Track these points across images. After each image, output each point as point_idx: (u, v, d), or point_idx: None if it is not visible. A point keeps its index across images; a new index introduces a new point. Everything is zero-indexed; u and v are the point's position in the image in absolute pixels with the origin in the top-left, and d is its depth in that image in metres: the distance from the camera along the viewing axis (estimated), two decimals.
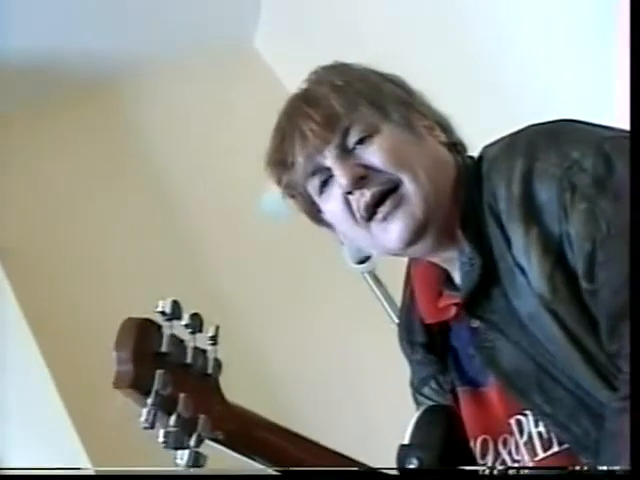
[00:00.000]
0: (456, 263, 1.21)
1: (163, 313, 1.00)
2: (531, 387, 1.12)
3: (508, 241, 1.12)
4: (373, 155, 1.18)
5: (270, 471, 1.05)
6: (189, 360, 1.01)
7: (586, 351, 1.07)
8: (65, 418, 2.32)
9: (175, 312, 1.00)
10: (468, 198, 1.18)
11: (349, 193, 1.18)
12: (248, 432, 1.06)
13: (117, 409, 0.99)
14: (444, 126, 1.25)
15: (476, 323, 1.18)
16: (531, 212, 1.10)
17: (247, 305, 2.68)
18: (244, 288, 2.70)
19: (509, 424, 1.17)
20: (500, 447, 1.19)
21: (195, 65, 2.95)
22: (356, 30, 2.58)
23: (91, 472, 1.61)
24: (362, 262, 2.29)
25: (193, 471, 0.97)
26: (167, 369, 0.97)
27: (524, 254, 1.10)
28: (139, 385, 0.96)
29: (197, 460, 0.97)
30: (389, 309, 2.32)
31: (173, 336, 1.00)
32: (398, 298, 2.31)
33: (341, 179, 1.17)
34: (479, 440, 1.21)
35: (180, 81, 2.98)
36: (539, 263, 1.09)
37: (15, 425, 2.31)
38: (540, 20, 2.10)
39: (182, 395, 0.98)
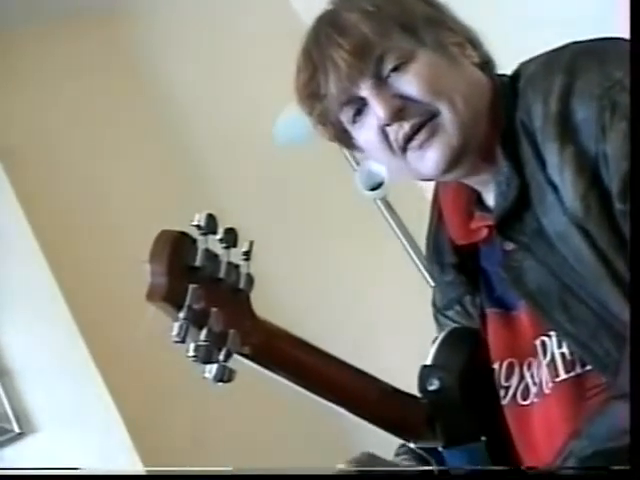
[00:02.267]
0: (490, 184, 1.21)
1: (198, 227, 0.98)
2: (555, 306, 1.13)
3: (541, 160, 1.11)
4: (409, 84, 1.16)
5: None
6: (222, 275, 1.00)
7: (614, 271, 1.07)
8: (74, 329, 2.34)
9: (210, 226, 0.98)
10: (506, 116, 1.17)
11: (387, 125, 1.16)
12: (276, 346, 1.06)
13: (145, 323, 0.98)
14: (474, 43, 1.23)
15: (509, 245, 1.18)
16: (567, 130, 1.09)
17: (260, 235, 2.68)
18: (254, 215, 2.70)
19: (534, 346, 1.18)
20: (525, 370, 1.20)
21: None
22: None
23: (91, 472, 1.61)
24: (374, 189, 2.30)
25: (193, 471, 0.96)
26: (200, 283, 0.96)
27: (558, 172, 1.09)
28: (172, 298, 0.95)
29: (225, 374, 0.97)
30: (400, 235, 2.34)
31: (207, 250, 0.98)
32: (410, 224, 2.35)
33: (379, 112, 1.16)
34: (505, 363, 1.22)
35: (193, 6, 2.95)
36: (573, 182, 1.08)
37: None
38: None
39: (214, 309, 0.97)
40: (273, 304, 2.59)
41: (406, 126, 1.16)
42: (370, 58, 1.16)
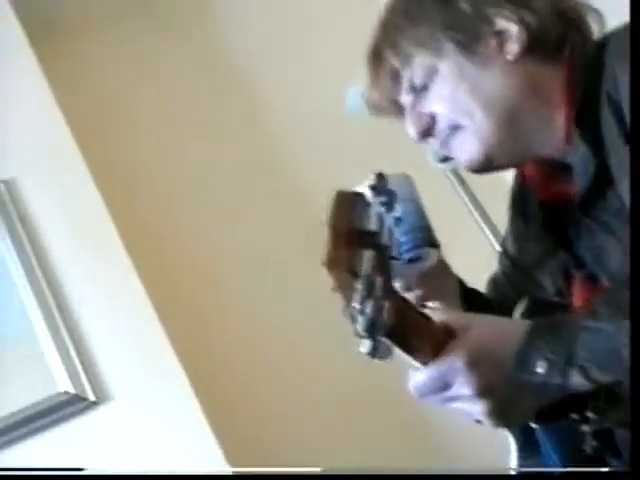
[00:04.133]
0: (572, 155, 1.18)
1: (374, 188, 0.95)
2: None
3: (624, 132, 1.08)
4: (433, 104, 1.22)
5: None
6: (385, 241, 0.95)
7: None
8: None
9: (380, 187, 0.95)
10: (586, 91, 1.14)
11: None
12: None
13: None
14: (534, 19, 1.19)
15: (592, 223, 1.17)
16: None
17: None
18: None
19: None
20: None
21: None
22: None
23: (92, 472, 1.62)
24: (445, 160, 2.30)
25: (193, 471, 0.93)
26: (374, 249, 0.92)
27: None
28: (350, 266, 0.90)
29: (383, 350, 0.92)
30: (472, 207, 2.33)
31: (380, 214, 0.94)
32: (481, 197, 2.33)
33: (409, 130, 1.25)
34: None
35: None
36: None
37: None
38: None
39: (379, 279, 0.92)
40: None
41: (436, 141, 1.25)
42: (402, 81, 1.24)
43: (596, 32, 1.23)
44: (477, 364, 0.97)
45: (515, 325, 1.03)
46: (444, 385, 0.98)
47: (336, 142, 2.71)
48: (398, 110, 1.28)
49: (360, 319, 0.90)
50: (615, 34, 1.17)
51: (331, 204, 0.93)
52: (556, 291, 1.29)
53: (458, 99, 1.20)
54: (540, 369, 0.96)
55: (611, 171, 1.11)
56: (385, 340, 0.92)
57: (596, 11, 1.23)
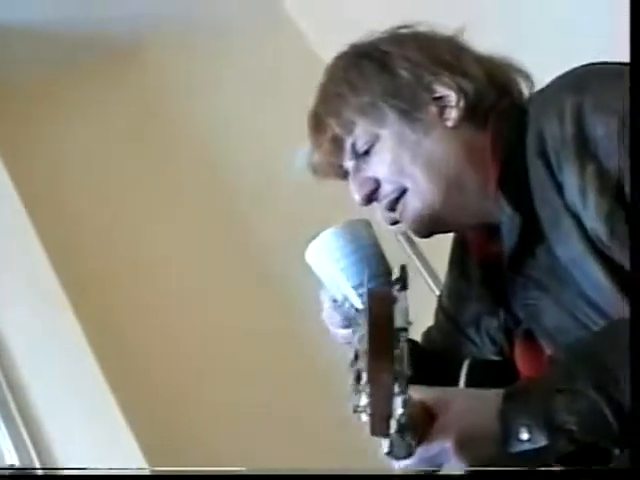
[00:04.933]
0: (500, 216, 1.19)
1: (401, 280, 0.95)
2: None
3: (557, 184, 1.10)
4: (376, 168, 1.24)
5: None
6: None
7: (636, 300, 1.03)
8: None
9: (404, 279, 0.95)
10: (508, 151, 1.17)
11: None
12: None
13: None
14: (466, 88, 1.22)
15: (525, 282, 1.18)
16: (586, 148, 1.07)
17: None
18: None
19: None
20: None
21: (222, 29, 2.95)
22: None
23: (91, 472, 1.60)
24: (395, 223, 2.30)
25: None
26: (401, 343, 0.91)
27: (579, 194, 1.07)
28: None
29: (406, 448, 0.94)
30: (422, 269, 2.33)
31: (406, 308, 0.93)
32: (432, 258, 2.33)
33: (354, 195, 1.27)
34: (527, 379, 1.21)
35: (207, 46, 2.97)
36: (596, 202, 1.06)
37: None
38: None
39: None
40: None
41: (382, 204, 1.26)
42: (344, 147, 1.26)
43: (525, 93, 1.26)
44: (465, 444, 0.99)
45: (490, 397, 1.03)
46: (435, 465, 1.00)
47: (294, 204, 2.73)
48: (342, 174, 1.29)
49: (393, 422, 0.91)
50: (533, 94, 1.22)
51: (373, 307, 0.92)
52: (496, 350, 1.30)
53: (400, 164, 1.22)
54: (524, 435, 0.97)
55: (540, 227, 1.13)
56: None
57: (525, 72, 1.27)
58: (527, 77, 1.27)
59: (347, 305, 1.18)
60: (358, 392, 0.93)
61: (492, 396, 1.02)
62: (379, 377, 0.89)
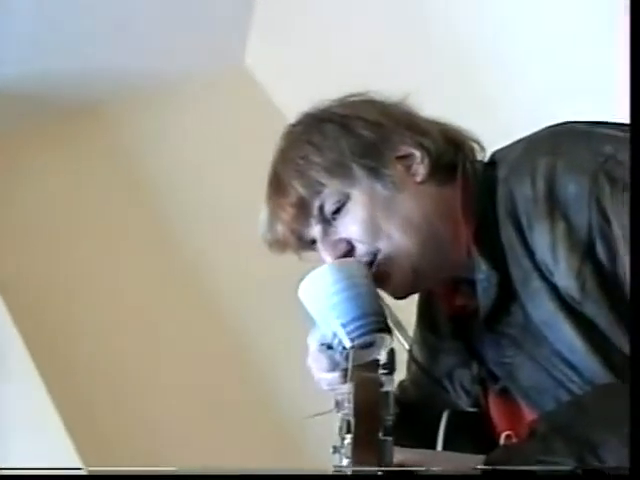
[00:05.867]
0: (475, 273, 1.19)
1: (387, 366, 0.94)
2: (549, 402, 1.12)
3: (526, 245, 1.11)
4: (349, 228, 1.20)
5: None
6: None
7: (609, 357, 1.06)
8: None
9: (391, 364, 0.95)
10: (481, 209, 1.18)
11: None
12: None
13: None
14: (428, 147, 1.23)
15: (498, 338, 1.18)
16: (557, 207, 1.09)
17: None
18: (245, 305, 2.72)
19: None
20: None
21: (184, 86, 2.96)
22: (346, 45, 2.59)
23: (90, 472, 1.58)
24: None
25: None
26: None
27: (550, 251, 1.09)
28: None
29: None
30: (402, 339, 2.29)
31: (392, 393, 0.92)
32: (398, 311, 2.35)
33: (327, 259, 1.21)
34: (503, 435, 1.19)
35: (169, 102, 2.98)
36: (567, 258, 1.07)
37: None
38: (538, 20, 2.11)
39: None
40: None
41: None
42: (311, 210, 1.22)
43: (476, 151, 1.27)
44: None
45: (470, 462, 1.03)
46: None
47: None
48: (303, 244, 1.26)
49: None
50: (500, 152, 1.23)
51: (359, 393, 0.91)
52: (471, 401, 1.28)
53: (376, 223, 1.19)
54: None
55: (514, 286, 1.13)
56: None
57: (476, 139, 1.27)
58: (479, 144, 1.28)
59: (335, 342, 1.16)
60: (340, 453, 0.93)
61: (473, 462, 1.02)
62: (362, 464, 0.89)
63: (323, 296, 1.18)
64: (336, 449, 0.94)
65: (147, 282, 2.75)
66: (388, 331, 1.17)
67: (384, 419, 0.90)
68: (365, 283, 1.18)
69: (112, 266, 2.75)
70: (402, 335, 2.17)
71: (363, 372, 0.94)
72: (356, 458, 0.89)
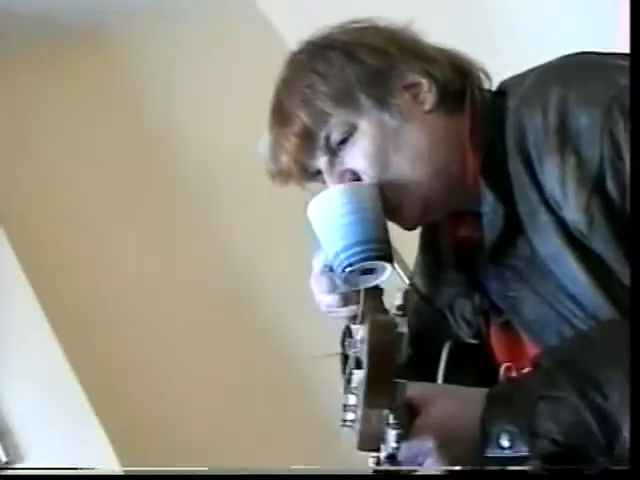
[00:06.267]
0: (481, 205, 1.17)
1: (400, 307, 0.94)
2: (552, 336, 1.11)
3: (535, 178, 1.10)
4: (355, 159, 1.19)
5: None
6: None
7: (613, 293, 1.05)
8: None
9: (407, 306, 0.94)
10: (489, 140, 1.16)
11: None
12: None
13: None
14: (435, 74, 1.21)
15: (503, 271, 1.17)
16: (568, 139, 1.07)
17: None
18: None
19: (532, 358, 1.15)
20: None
21: (191, 14, 2.91)
22: None
23: (89, 472, 1.60)
24: None
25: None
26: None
27: (559, 185, 1.07)
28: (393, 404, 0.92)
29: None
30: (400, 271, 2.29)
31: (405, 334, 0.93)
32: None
33: None
34: (503, 367, 1.20)
35: (176, 32, 2.94)
36: (576, 192, 1.06)
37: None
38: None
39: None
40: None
41: None
42: (316, 140, 1.20)
43: (484, 80, 1.25)
44: (446, 444, 0.99)
45: (473, 397, 1.02)
46: (414, 464, 1.00)
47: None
48: (307, 175, 1.24)
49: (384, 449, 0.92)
50: (510, 82, 1.21)
51: (374, 336, 0.91)
52: (472, 332, 1.27)
53: (384, 154, 1.18)
54: (505, 442, 0.97)
55: (520, 219, 1.12)
56: None
57: (482, 68, 1.25)
58: (481, 68, 1.25)
59: (336, 265, 1.16)
60: (349, 392, 0.94)
61: (475, 396, 1.02)
62: (374, 407, 0.90)
63: (330, 217, 1.17)
64: (347, 388, 0.95)
65: (155, 218, 2.74)
66: (389, 260, 1.16)
67: (397, 361, 0.90)
68: (373, 209, 1.17)
69: (115, 195, 2.73)
70: (401, 268, 2.17)
71: (377, 314, 0.94)
72: (369, 401, 0.89)
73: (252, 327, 2.64)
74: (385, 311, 1.26)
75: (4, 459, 2.17)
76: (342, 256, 1.15)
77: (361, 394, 0.90)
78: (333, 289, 1.19)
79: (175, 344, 2.56)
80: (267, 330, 2.65)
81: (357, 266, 1.15)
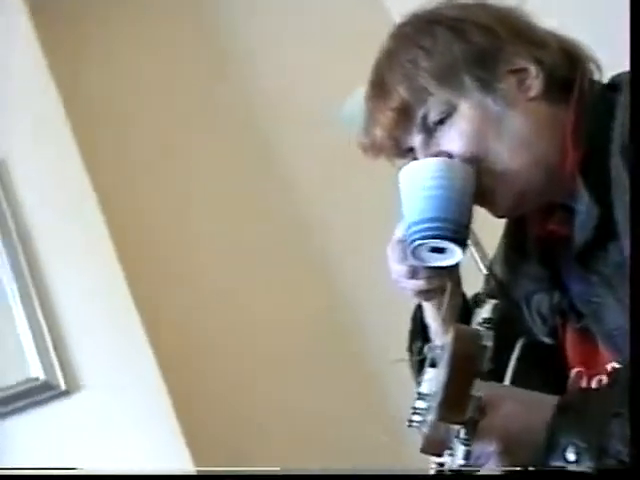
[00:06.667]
0: (577, 203, 1.13)
1: (487, 320, 0.91)
2: None
3: None
4: (451, 142, 1.15)
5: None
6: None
7: None
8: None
9: (495, 319, 0.91)
10: (593, 135, 1.11)
11: None
12: None
13: None
14: (548, 58, 1.16)
15: (590, 275, 1.13)
16: None
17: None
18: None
19: (606, 368, 1.13)
20: (593, 385, 1.15)
21: None
22: None
23: (90, 473, 1.62)
24: None
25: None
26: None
27: None
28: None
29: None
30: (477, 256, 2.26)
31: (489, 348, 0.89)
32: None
33: None
34: (573, 372, 1.17)
35: None
36: None
37: None
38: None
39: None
40: None
41: None
42: (414, 117, 1.17)
43: (595, 71, 1.20)
44: (508, 450, 0.97)
45: (542, 404, 1.00)
46: (475, 465, 0.98)
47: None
48: (399, 151, 1.21)
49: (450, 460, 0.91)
50: (626, 75, 1.14)
51: (457, 347, 0.88)
52: (547, 330, 1.23)
53: (484, 139, 1.14)
54: (571, 456, 0.94)
55: (615, 223, 1.08)
56: None
57: (595, 58, 1.20)
58: (598, 64, 1.20)
59: (407, 234, 1.14)
60: (419, 398, 0.92)
61: (543, 403, 0.99)
62: (446, 421, 0.88)
63: (416, 186, 1.15)
64: (420, 395, 0.93)
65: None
66: (461, 245, 1.14)
67: (479, 374, 0.87)
68: (461, 190, 1.14)
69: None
70: (478, 252, 2.15)
71: (462, 325, 0.91)
72: (441, 414, 0.87)
73: (339, 335, 2.64)
74: (462, 295, 1.28)
75: (63, 387, 2.20)
76: (414, 228, 1.13)
77: (435, 404, 0.89)
78: (403, 259, 1.18)
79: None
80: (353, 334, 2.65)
81: (424, 242, 1.13)
